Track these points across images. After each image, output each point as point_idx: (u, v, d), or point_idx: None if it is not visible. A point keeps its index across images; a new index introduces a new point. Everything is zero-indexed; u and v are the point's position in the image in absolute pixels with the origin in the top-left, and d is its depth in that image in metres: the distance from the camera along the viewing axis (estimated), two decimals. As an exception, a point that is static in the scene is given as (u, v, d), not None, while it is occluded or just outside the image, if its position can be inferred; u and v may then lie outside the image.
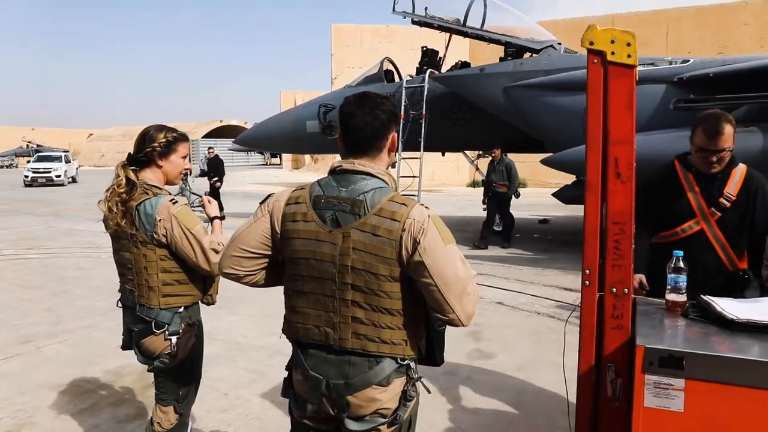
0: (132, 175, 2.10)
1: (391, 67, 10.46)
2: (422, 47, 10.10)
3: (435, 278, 1.41)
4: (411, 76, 9.77)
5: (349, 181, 1.50)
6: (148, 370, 2.25)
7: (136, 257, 2.10)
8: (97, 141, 63.60)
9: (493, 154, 8.66)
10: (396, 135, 1.59)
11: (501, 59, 9.12)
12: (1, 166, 55.87)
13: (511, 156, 10.51)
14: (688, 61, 7.14)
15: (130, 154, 2.16)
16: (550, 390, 3.50)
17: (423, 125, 9.09)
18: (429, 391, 1.66)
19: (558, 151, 7.81)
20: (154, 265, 2.08)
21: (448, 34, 9.50)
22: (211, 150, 13.27)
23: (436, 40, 10.34)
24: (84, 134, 70.44)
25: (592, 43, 1.69)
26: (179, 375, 2.24)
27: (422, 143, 8.97)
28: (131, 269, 2.12)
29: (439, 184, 20.09)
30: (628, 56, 1.66)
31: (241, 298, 5.57)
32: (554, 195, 8.34)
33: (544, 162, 7.27)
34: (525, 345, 4.30)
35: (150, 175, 2.15)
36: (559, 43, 8.97)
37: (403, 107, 9.34)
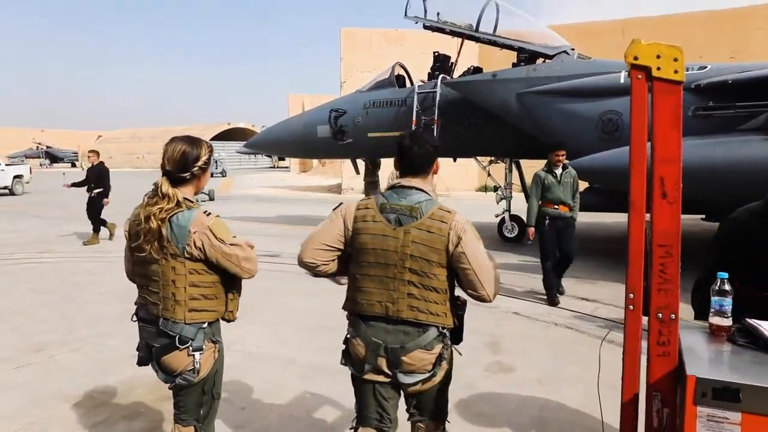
0: (179, 195, 2.09)
1: (402, 72, 10.41)
2: (434, 52, 10.05)
3: (472, 264, 1.96)
4: (423, 81, 9.72)
5: (405, 194, 2.06)
6: (170, 388, 2.21)
7: (164, 269, 2.07)
8: (105, 143, 63.97)
9: (557, 158, 5.80)
10: (438, 163, 2.17)
11: (513, 65, 9.04)
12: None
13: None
14: (705, 67, 7.04)
15: (169, 170, 2.11)
16: (572, 407, 3.42)
17: (435, 131, 9.02)
18: (461, 354, 2.20)
19: (572, 158, 7.74)
20: (182, 279, 2.07)
21: (459, 40, 9.44)
22: (91, 155, 10.19)
23: (446, 45, 10.28)
24: (93, 136, 70.95)
25: (636, 58, 1.62)
26: (200, 394, 2.20)
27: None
28: (157, 282, 2.09)
29: (446, 189, 20.02)
30: (675, 72, 1.59)
31: (251, 308, 5.53)
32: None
33: (559, 169, 7.17)
34: (544, 358, 4.22)
35: (186, 189, 2.15)
36: (573, 49, 8.89)
37: (414, 113, 9.30)
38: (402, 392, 2.12)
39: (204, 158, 2.15)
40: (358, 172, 11.39)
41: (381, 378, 2.05)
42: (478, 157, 10.20)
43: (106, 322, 5.12)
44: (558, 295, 5.84)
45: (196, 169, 2.13)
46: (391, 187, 2.12)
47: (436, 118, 9.12)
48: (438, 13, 9.20)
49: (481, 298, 2.00)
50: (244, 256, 2.10)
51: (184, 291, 2.06)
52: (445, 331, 2.03)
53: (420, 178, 2.10)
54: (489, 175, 10.14)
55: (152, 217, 2.04)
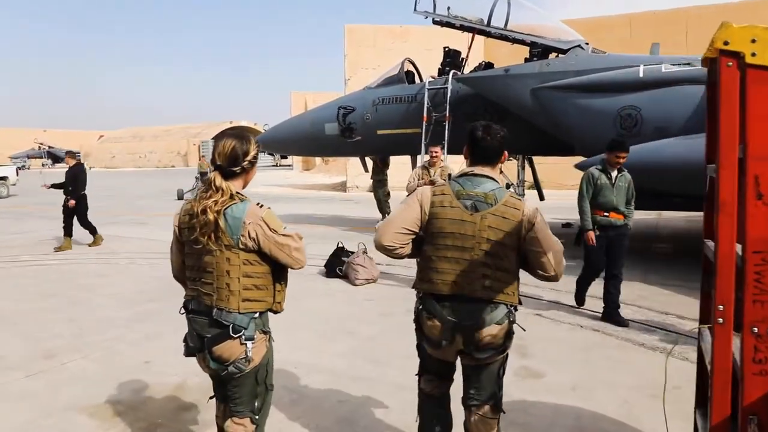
0: (232, 188, 2.14)
1: (411, 68, 10.23)
2: (444, 47, 9.86)
3: (544, 247, 2.14)
4: (433, 77, 9.54)
5: (478, 182, 2.23)
6: (222, 376, 2.20)
7: (218, 260, 2.11)
8: (107, 142, 63.91)
9: (617, 159, 4.87)
10: (506, 154, 2.34)
11: (526, 60, 8.86)
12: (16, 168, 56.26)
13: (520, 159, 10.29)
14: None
15: (220, 165, 2.15)
16: (610, 415, 3.26)
17: (446, 127, 8.85)
18: (524, 329, 2.54)
19: (589, 154, 7.56)
20: (236, 269, 2.11)
21: (467, 35, 9.25)
22: (67, 157, 9.72)
23: (451, 41, 10.12)
24: (95, 136, 70.85)
25: (726, 43, 1.45)
26: (254, 384, 2.24)
27: (446, 146, 8.71)
28: (212, 273, 2.13)
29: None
30: (771, 57, 1.41)
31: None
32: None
33: (579, 166, 7.00)
34: (573, 362, 4.05)
35: (236, 183, 2.20)
36: (587, 43, 8.70)
37: (425, 109, 9.13)
38: (466, 374, 2.33)
39: (253, 153, 2.20)
40: (366, 169, 11.23)
41: (449, 358, 2.30)
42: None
43: (116, 326, 4.97)
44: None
45: (246, 163, 2.19)
46: (463, 175, 2.29)
47: (447, 114, 8.95)
48: (448, 8, 9.02)
49: (549, 278, 2.21)
50: (295, 246, 2.16)
51: (237, 281, 2.10)
52: (512, 308, 2.23)
53: (490, 167, 2.29)
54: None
55: (208, 210, 2.08)
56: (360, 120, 10.00)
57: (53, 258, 8.35)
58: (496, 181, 2.25)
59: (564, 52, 8.48)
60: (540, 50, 8.71)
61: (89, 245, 9.44)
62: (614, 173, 4.97)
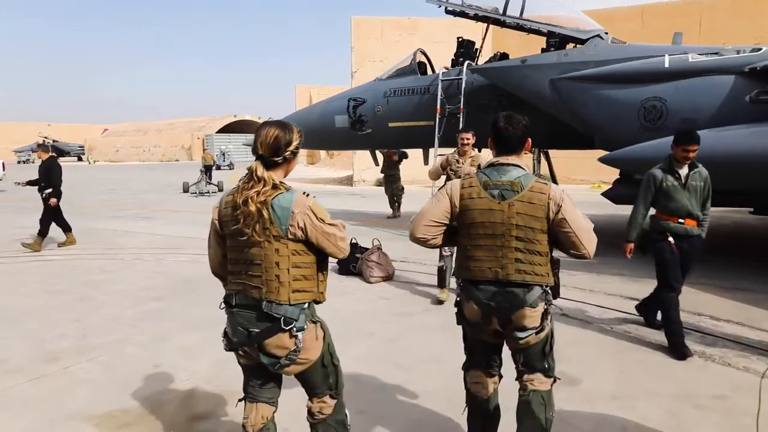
0: (275, 178, 2.11)
1: (423, 59, 9.95)
2: (458, 38, 9.58)
3: (573, 227, 2.24)
4: (447, 68, 9.26)
5: (505, 171, 2.31)
6: (274, 369, 2.18)
7: (267, 252, 2.08)
8: (111, 136, 63.83)
9: (685, 154, 4.03)
10: (529, 141, 2.39)
11: (542, 50, 8.57)
12: (19, 162, 56.26)
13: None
14: (760, 49, 6.55)
15: (262, 154, 2.11)
16: (654, 428, 3.01)
17: (461, 120, 8.58)
18: (561, 310, 2.92)
19: (610, 147, 7.30)
20: (285, 260, 2.08)
21: (475, 27, 8.97)
22: (39, 150, 9.02)
23: (460, 32, 9.83)
24: (99, 130, 70.80)
25: None
26: (322, 368, 2.26)
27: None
28: (260, 265, 2.09)
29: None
30: None
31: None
32: (604, 195, 7.79)
33: (603, 159, 6.73)
34: (610, 368, 3.80)
35: (278, 172, 2.16)
36: (606, 33, 8.40)
37: (439, 101, 8.86)
38: (512, 351, 2.43)
39: (295, 143, 2.16)
40: (377, 163, 10.98)
41: (491, 339, 2.41)
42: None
43: (123, 326, 4.76)
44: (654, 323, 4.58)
45: (288, 153, 2.15)
46: (490, 165, 2.38)
47: (461, 106, 8.68)
48: (462, -4, 8.73)
49: (581, 256, 2.30)
50: (340, 235, 2.16)
51: (287, 272, 2.08)
52: (547, 288, 2.32)
53: (515, 155, 2.36)
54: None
55: (250, 201, 2.04)
56: (371, 112, 9.73)
57: (58, 253, 8.15)
58: (523, 168, 2.33)
59: (583, 42, 8.19)
60: (557, 40, 8.43)
61: (59, 245, 8.66)
62: (684, 171, 4.12)
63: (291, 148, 2.14)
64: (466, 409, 2.62)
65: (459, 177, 5.26)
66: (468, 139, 5.59)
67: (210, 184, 18.16)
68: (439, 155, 8.63)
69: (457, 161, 5.51)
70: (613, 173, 7.96)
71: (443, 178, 5.65)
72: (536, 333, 2.31)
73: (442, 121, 8.85)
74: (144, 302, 5.49)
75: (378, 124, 9.63)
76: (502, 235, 2.26)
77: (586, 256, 2.29)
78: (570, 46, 8.39)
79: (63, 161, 55.07)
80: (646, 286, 5.91)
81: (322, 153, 37.08)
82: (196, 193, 17.68)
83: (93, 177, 29.17)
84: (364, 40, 20.51)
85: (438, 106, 8.83)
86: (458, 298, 2.46)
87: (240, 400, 2.37)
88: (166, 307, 5.31)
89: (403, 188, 11.72)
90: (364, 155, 19.94)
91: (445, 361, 3.92)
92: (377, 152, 11.18)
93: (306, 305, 2.14)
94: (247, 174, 2.12)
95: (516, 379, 2.47)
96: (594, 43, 8.10)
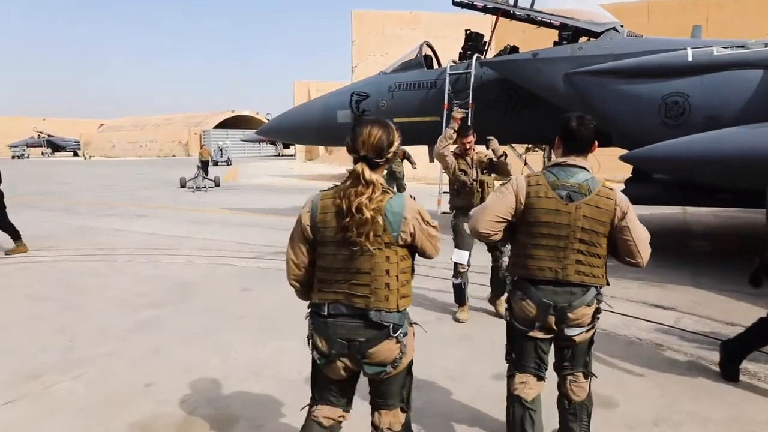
0: (382, 181, 2.03)
1: (429, 53, 9.58)
2: (466, 30, 9.20)
3: (633, 236, 2.31)
4: (455, 61, 8.89)
5: (572, 173, 2.34)
6: (380, 378, 2.08)
7: (377, 260, 1.99)
8: (107, 131, 63.18)
9: None
10: (596, 143, 2.40)
11: (555, 43, 8.22)
12: (14, 157, 55.62)
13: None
14: (778, 43, 6.22)
15: (365, 155, 1.98)
16: (709, 461, 2.67)
17: (469, 115, 8.22)
18: (611, 307, 2.94)
19: (628, 144, 6.96)
20: (395, 267, 2.02)
21: (484, 20, 8.62)
22: None
23: (464, 26, 9.47)
24: (95, 124, 70.09)
25: None
26: (405, 376, 2.17)
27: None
28: (369, 274, 1.99)
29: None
30: None
31: (279, 320, 4.81)
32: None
33: (625, 158, 6.38)
34: (647, 389, 3.46)
35: (379, 174, 2.05)
36: (622, 26, 8.04)
37: (446, 95, 8.49)
38: (559, 348, 2.48)
39: (396, 143, 2.06)
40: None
41: (542, 335, 2.39)
42: (513, 145, 9.40)
43: (114, 337, 4.40)
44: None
45: (390, 154, 2.05)
46: (556, 165, 2.38)
47: (470, 101, 8.32)
48: (470, -13, 8.35)
49: (636, 264, 2.35)
50: (439, 237, 2.13)
51: (396, 279, 2.01)
52: (600, 289, 2.39)
53: (582, 157, 2.37)
54: (526, 163, 9.34)
55: (364, 209, 1.92)
56: (375, 107, 9.36)
57: (47, 254, 7.76)
58: (588, 171, 2.35)
59: (597, 35, 7.83)
60: (570, 33, 8.07)
61: (6, 253, 7.70)
62: None
63: (393, 149, 2.05)
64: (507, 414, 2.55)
65: (468, 181, 4.83)
66: (470, 142, 4.91)
67: (206, 179, 18.10)
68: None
69: (465, 161, 4.88)
70: (619, 170, 7.64)
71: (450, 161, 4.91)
72: (587, 331, 2.39)
73: (450, 116, 8.49)
74: (137, 310, 5.13)
75: (382, 120, 9.27)
76: (567, 236, 2.29)
77: (640, 265, 2.35)
78: (583, 40, 8.06)
79: (58, 156, 54.30)
80: (668, 292, 5.61)
81: (321, 149, 36.62)
82: (193, 188, 17.58)
83: (86, 172, 28.67)
84: (365, 34, 20.16)
85: (445, 101, 8.46)
86: (514, 296, 2.46)
87: (303, 408, 2.28)
88: (160, 316, 4.96)
89: (404, 187, 11.39)
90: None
91: (467, 378, 3.59)
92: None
93: (406, 309, 2.11)
94: (348, 176, 1.99)
95: (555, 370, 2.55)
96: (609, 36, 7.75)
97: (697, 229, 9.63)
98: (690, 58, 6.37)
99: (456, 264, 4.78)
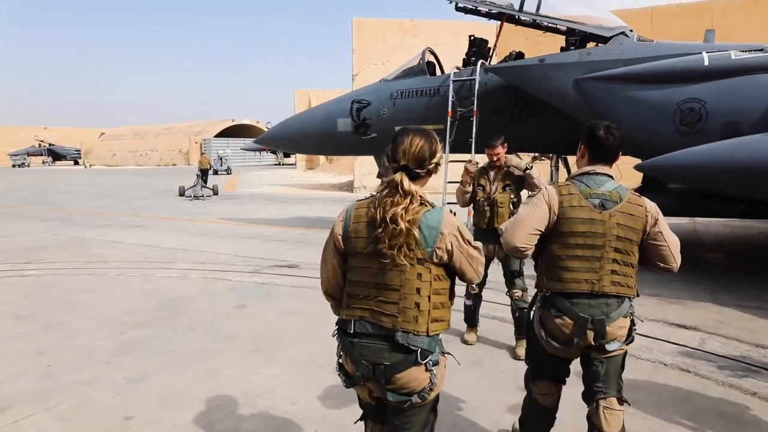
0: (422, 193, 1.90)
1: (432, 59, 9.32)
2: (470, 36, 8.95)
3: (667, 241, 2.29)
4: (458, 68, 8.62)
5: (601, 181, 2.31)
6: (405, 407, 1.89)
7: (408, 277, 1.84)
8: (108, 140, 63.11)
9: None
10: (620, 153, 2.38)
11: (562, 49, 7.95)
12: (14, 165, 55.48)
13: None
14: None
15: (406, 165, 1.87)
16: None
17: (474, 123, 7.94)
18: (642, 321, 2.68)
19: (640, 153, 6.67)
20: (427, 286, 1.86)
21: (487, 27, 8.38)
22: None
23: (465, 34, 9.22)
24: (96, 133, 70.07)
25: None
26: (429, 412, 1.97)
27: (473, 144, 7.80)
28: (398, 291, 1.85)
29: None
30: None
31: (274, 341, 4.50)
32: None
33: (642, 168, 6.09)
34: (684, 423, 3.12)
35: (419, 186, 1.92)
36: (631, 30, 7.78)
37: (450, 103, 8.22)
38: (591, 367, 2.35)
39: (439, 154, 1.95)
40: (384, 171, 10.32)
41: (575, 354, 2.36)
42: (519, 154, 9.09)
43: (96, 361, 4.08)
44: None
45: (432, 165, 1.93)
46: (584, 174, 2.33)
47: (474, 109, 8.03)
48: (475, -8, 8.10)
49: (669, 270, 2.33)
50: (482, 260, 1.99)
51: (428, 300, 1.86)
52: (632, 300, 2.33)
53: (609, 166, 2.34)
54: (526, 170, 9.03)
55: (399, 219, 1.81)
56: (376, 115, 9.09)
57: (34, 268, 7.45)
58: (614, 179, 2.32)
59: (606, 40, 7.56)
60: (577, 39, 7.81)
61: None
62: None
63: (435, 159, 1.94)
64: (523, 413, 2.63)
65: (481, 198, 4.45)
66: (498, 154, 4.37)
67: (205, 188, 18.12)
68: (450, 161, 8.00)
69: (487, 177, 4.41)
70: (626, 178, 7.34)
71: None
72: (624, 344, 2.32)
73: (454, 124, 8.20)
74: (124, 329, 4.82)
75: (383, 128, 8.95)
76: (602, 246, 2.24)
77: (674, 270, 2.33)
78: (591, 46, 7.79)
79: (59, 165, 54.14)
80: (688, 310, 5.28)
81: (321, 158, 36.40)
82: (191, 196, 17.53)
83: (89, 181, 28.43)
84: (366, 42, 19.94)
85: (449, 109, 8.19)
86: (539, 314, 2.39)
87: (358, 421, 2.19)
88: (148, 337, 4.65)
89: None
90: (364, 160, 19.33)
91: (482, 411, 3.26)
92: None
93: (440, 335, 1.94)
94: (385, 186, 1.88)
95: (585, 399, 2.41)
96: (619, 41, 7.47)
97: (708, 239, 9.31)
98: (706, 63, 6.10)
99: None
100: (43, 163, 57.40)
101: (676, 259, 2.30)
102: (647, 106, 6.45)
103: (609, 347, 2.27)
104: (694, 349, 4.27)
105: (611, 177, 2.31)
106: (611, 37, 7.53)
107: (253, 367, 3.94)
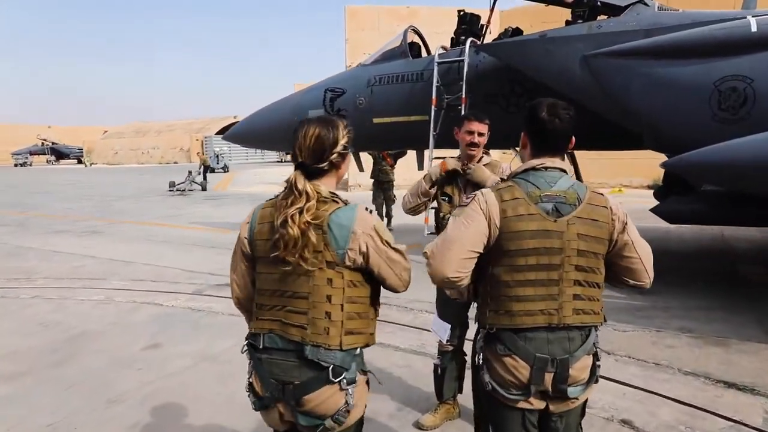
0: (322, 190, 1.67)
1: (416, 39, 8.04)
2: (459, 11, 7.65)
3: (639, 252, 1.77)
4: (444, 48, 7.32)
5: (553, 178, 1.75)
6: None
7: (317, 283, 1.64)
8: (110, 138, 62.53)
9: None
10: (573, 139, 1.84)
11: (567, 23, 6.64)
12: (16, 165, 54.92)
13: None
14: None
15: (302, 162, 1.66)
16: None
17: (463, 113, 6.64)
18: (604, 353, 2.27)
19: (665, 146, 5.36)
20: (339, 294, 1.64)
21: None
22: None
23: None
24: (99, 131, 69.65)
25: None
26: None
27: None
28: (306, 299, 1.64)
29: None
30: None
31: (175, 404, 3.27)
32: (655, 211, 5.82)
33: (669, 165, 4.77)
34: None
35: (327, 181, 1.72)
36: (652, -1, 6.43)
37: (434, 89, 6.93)
38: (547, 421, 1.80)
39: (343, 142, 1.71)
40: (362, 168, 9.07)
41: (535, 404, 1.75)
42: (518, 148, 7.80)
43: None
44: None
45: (334, 156, 1.70)
46: (529, 170, 1.78)
47: (463, 95, 6.74)
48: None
49: (641, 287, 1.84)
50: (406, 265, 1.75)
51: (340, 309, 1.64)
52: (598, 330, 1.84)
53: (559, 157, 1.83)
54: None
55: (290, 221, 1.61)
56: (352, 105, 7.82)
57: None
58: (568, 174, 1.77)
59: (620, 10, 6.22)
60: (586, 10, 6.49)
61: None
62: None
63: (337, 149, 1.70)
64: None
65: (444, 214, 3.18)
66: (481, 134, 3.01)
67: (194, 183, 19.06)
68: (435, 158, 6.71)
69: (456, 183, 3.04)
70: (639, 175, 6.04)
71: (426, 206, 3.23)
72: (592, 383, 1.79)
73: (439, 114, 6.93)
74: (36, 368, 3.68)
75: (360, 120, 7.62)
76: (560, 264, 1.70)
77: (647, 287, 1.83)
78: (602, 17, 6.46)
79: (63, 164, 53.91)
80: (735, 356, 3.94)
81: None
82: (173, 190, 18.31)
83: (78, 180, 27.46)
84: (360, 30, 18.74)
85: (434, 96, 6.91)
86: (481, 358, 1.81)
87: None
88: (14, 396, 3.46)
89: (394, 198, 9.84)
90: (360, 155, 18.21)
91: None
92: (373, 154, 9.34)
93: (358, 350, 1.69)
94: (285, 187, 1.67)
95: None
96: (636, 10, 6.13)
97: (741, 247, 7.94)
98: (754, 29, 4.74)
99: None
100: (47, 162, 56.87)
101: (648, 274, 1.82)
102: (675, 86, 5.10)
103: (573, 393, 1.74)
104: (757, 429, 2.97)
105: (564, 171, 1.77)
106: (627, 6, 6.19)
107: (238, 382, 2.72)
